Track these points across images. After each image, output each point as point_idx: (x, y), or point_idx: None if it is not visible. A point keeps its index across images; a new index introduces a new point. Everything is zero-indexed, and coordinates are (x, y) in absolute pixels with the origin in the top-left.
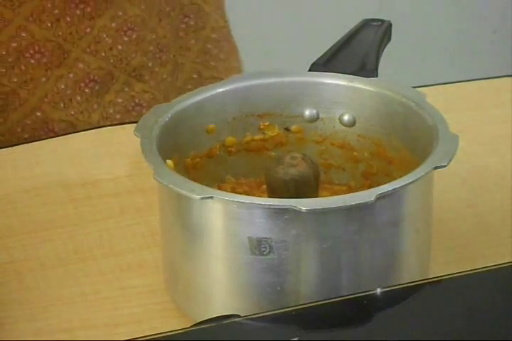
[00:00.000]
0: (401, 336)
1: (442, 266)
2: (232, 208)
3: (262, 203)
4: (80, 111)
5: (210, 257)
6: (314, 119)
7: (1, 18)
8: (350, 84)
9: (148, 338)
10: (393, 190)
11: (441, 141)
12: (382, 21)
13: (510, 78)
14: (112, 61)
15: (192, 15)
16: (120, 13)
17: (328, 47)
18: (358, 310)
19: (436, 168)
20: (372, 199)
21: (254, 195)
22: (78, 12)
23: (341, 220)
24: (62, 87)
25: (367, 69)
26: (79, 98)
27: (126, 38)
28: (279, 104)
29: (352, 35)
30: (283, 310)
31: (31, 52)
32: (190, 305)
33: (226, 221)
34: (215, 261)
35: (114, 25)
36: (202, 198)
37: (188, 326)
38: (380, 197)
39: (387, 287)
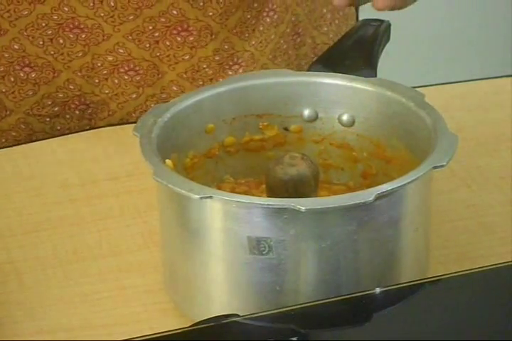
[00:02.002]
0: (400, 335)
1: (441, 266)
2: (232, 208)
3: (261, 203)
4: None
5: (209, 257)
6: (313, 119)
7: (102, 32)
8: (350, 84)
9: (147, 338)
10: (392, 189)
11: (440, 140)
12: (382, 21)
13: (510, 78)
14: None
15: None
16: (226, 47)
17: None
18: (357, 309)
19: (435, 167)
20: (371, 199)
21: (253, 195)
22: (179, 39)
23: (340, 220)
24: (152, 105)
25: (366, 69)
26: None
27: (230, 72)
28: (278, 104)
29: (351, 35)
30: (282, 310)
31: (126, 68)
32: (189, 305)
33: (225, 220)
34: (214, 261)
35: (217, 58)
36: (201, 198)
37: (188, 326)
38: (379, 197)
39: (386, 287)
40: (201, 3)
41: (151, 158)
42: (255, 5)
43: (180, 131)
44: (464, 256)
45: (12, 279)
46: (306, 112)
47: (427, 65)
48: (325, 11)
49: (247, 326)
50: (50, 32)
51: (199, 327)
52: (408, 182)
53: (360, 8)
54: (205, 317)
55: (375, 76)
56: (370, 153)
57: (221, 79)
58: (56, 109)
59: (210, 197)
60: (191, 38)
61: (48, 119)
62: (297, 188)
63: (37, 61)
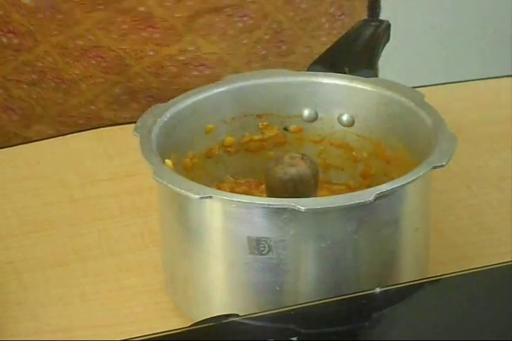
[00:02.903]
0: (400, 335)
1: (441, 266)
2: (231, 208)
3: (261, 203)
4: None
5: (209, 257)
6: (313, 119)
7: (74, 17)
8: (349, 84)
9: (147, 338)
10: (392, 189)
11: (439, 140)
12: (381, 21)
13: (510, 78)
14: None
15: None
16: (191, 48)
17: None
18: (357, 309)
19: (434, 167)
20: (371, 198)
21: (253, 195)
22: (145, 34)
23: (340, 220)
24: (117, 91)
25: (366, 69)
26: None
27: (195, 72)
28: (277, 104)
29: (351, 35)
30: (282, 310)
31: (94, 54)
32: (189, 305)
33: (225, 220)
34: (214, 261)
35: (182, 58)
36: (201, 198)
37: (187, 326)
38: (379, 197)
39: (386, 286)
40: (168, 4)
41: (151, 158)
42: (226, 9)
43: (180, 131)
44: (463, 256)
45: (12, 279)
46: (306, 112)
47: (427, 65)
48: (323, 20)
49: (247, 326)
50: (32, 5)
51: (199, 327)
52: (408, 182)
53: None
54: (205, 317)
55: (375, 76)
56: (370, 153)
57: (186, 78)
58: (34, 76)
59: (210, 196)
60: (157, 35)
61: (25, 86)
62: (297, 188)
63: (20, 28)
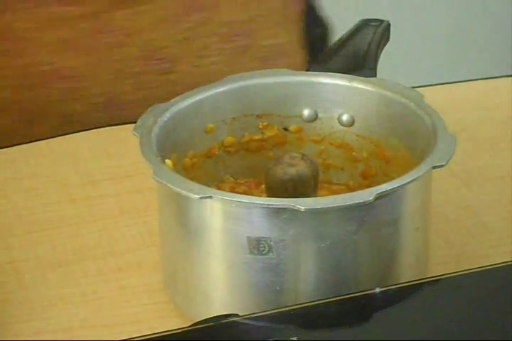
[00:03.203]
0: (400, 335)
1: (441, 266)
2: (231, 208)
3: (261, 203)
4: None
5: (208, 257)
6: (313, 119)
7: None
8: (349, 84)
9: (147, 338)
10: (392, 189)
11: (439, 140)
12: (381, 21)
13: (510, 78)
14: None
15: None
16: None
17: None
18: (357, 309)
19: (434, 167)
20: (371, 198)
21: (253, 195)
22: None
23: (340, 220)
24: None
25: (366, 69)
26: None
27: None
28: (277, 104)
29: (351, 35)
30: (282, 310)
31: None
32: (189, 305)
33: (225, 220)
34: (213, 261)
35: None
36: (201, 198)
37: (187, 326)
38: (379, 197)
39: (386, 286)
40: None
41: (151, 158)
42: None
43: (180, 130)
44: (463, 256)
45: (12, 279)
46: (306, 112)
47: (427, 65)
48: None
49: (247, 326)
50: None
51: (199, 327)
52: (408, 182)
53: (361, 7)
54: (205, 317)
55: (375, 76)
56: (370, 153)
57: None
58: None
59: (210, 197)
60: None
61: None
62: (297, 188)
63: None
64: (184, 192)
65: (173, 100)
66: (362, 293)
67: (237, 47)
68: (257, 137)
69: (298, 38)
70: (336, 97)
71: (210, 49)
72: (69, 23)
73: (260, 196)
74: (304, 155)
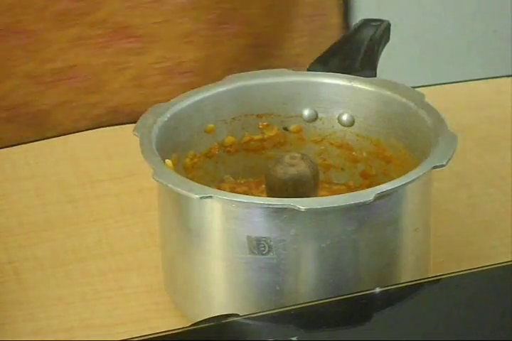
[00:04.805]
0: (400, 335)
1: (441, 266)
2: (231, 208)
3: (261, 203)
4: None
5: (209, 257)
6: (313, 119)
7: (45, 38)
8: (349, 84)
9: (147, 338)
10: (392, 189)
11: (440, 140)
12: (382, 21)
13: (510, 78)
14: None
15: None
16: (172, 55)
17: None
18: (357, 309)
19: (435, 167)
20: (371, 198)
21: (253, 195)
22: (123, 45)
23: (340, 220)
24: (97, 113)
25: (366, 69)
26: None
27: (178, 80)
28: (278, 103)
29: (351, 35)
30: (282, 310)
31: (70, 75)
32: (189, 305)
33: (225, 220)
34: (213, 261)
35: (163, 65)
36: (201, 198)
37: (187, 326)
38: (379, 197)
39: (387, 286)
40: (145, 10)
41: (151, 158)
42: (209, 17)
43: (180, 130)
44: (464, 256)
45: (12, 279)
46: (306, 112)
47: (427, 65)
48: (300, 21)
49: (247, 326)
50: None
51: (199, 327)
52: (408, 182)
53: (362, 7)
54: (205, 317)
55: (375, 76)
56: (370, 153)
57: (168, 87)
58: (4, 114)
59: (210, 197)
60: (135, 45)
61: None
62: (297, 188)
63: None
64: (184, 192)
65: (173, 100)
66: (362, 293)
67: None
68: (257, 137)
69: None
70: (336, 97)
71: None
72: None
73: (260, 196)
74: (304, 155)
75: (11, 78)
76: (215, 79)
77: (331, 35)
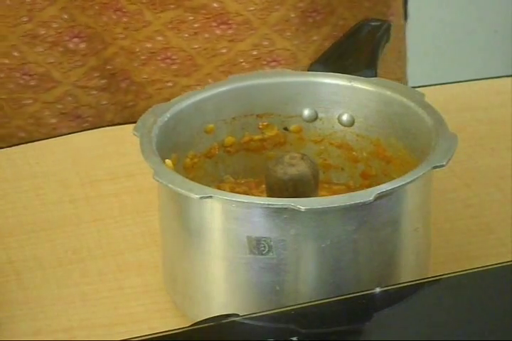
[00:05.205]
0: (400, 335)
1: (441, 266)
2: (231, 207)
3: (261, 202)
4: None
5: (209, 257)
6: (313, 119)
7: (142, 18)
8: (349, 84)
9: (147, 338)
10: (392, 189)
11: (440, 140)
12: (382, 21)
13: (510, 78)
14: None
15: None
16: (266, 43)
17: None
18: (357, 309)
19: (435, 167)
20: (371, 198)
21: (253, 195)
22: (218, 32)
23: (340, 220)
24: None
25: (366, 69)
26: None
27: (267, 68)
28: (278, 103)
29: (351, 35)
30: (282, 310)
31: (163, 56)
32: (189, 305)
33: (225, 220)
34: (214, 261)
35: (255, 53)
36: (201, 198)
37: (187, 326)
38: (379, 197)
39: (387, 286)
40: None
41: (151, 158)
42: (300, 5)
43: (180, 130)
44: (463, 256)
45: (12, 279)
46: (306, 112)
47: (427, 64)
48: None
49: (247, 326)
50: (97, 7)
51: (199, 327)
52: (408, 182)
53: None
54: (205, 317)
55: (375, 76)
56: (370, 153)
57: None
58: (103, 81)
59: (210, 197)
60: (230, 32)
61: (94, 92)
62: (297, 188)
63: (87, 31)
64: (184, 192)
65: (173, 100)
66: (362, 293)
67: None
68: (257, 137)
69: None
70: (336, 97)
71: None
72: None
73: (260, 196)
74: (304, 155)
75: (109, 48)
76: (303, 68)
77: (398, 36)
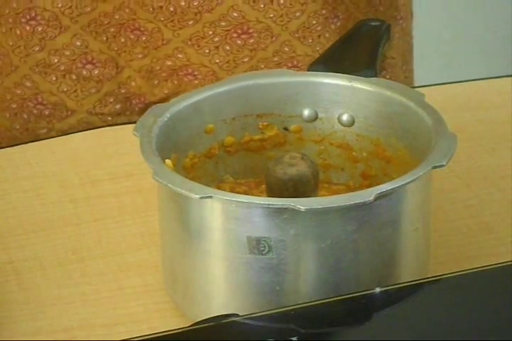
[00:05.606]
0: (400, 335)
1: (441, 266)
2: (231, 208)
3: (261, 202)
4: None
5: (209, 257)
6: (313, 119)
7: (161, 36)
8: (349, 84)
9: (147, 337)
10: (392, 189)
11: (440, 140)
12: (382, 21)
13: (510, 78)
14: None
15: None
16: (286, 49)
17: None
18: (357, 309)
19: (435, 167)
20: (371, 198)
21: (253, 195)
22: (239, 42)
23: (340, 220)
24: None
25: (366, 69)
26: None
27: None
28: (278, 103)
29: (351, 35)
30: (282, 310)
31: (184, 72)
32: (189, 305)
33: (225, 220)
34: (214, 261)
35: (276, 59)
36: (201, 198)
37: (187, 326)
38: (379, 197)
39: (386, 286)
40: (262, 5)
41: (151, 158)
42: (323, 12)
43: (180, 131)
44: (463, 256)
45: (12, 279)
46: (306, 112)
47: (427, 64)
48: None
49: (247, 326)
50: (112, 30)
51: (199, 327)
52: (408, 182)
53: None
54: (205, 317)
55: (375, 76)
56: (370, 153)
57: None
58: (118, 106)
59: (210, 197)
60: (251, 40)
61: (109, 118)
62: (297, 188)
63: (100, 57)
64: (184, 192)
65: (173, 100)
66: (362, 293)
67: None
68: (257, 137)
69: None
70: (336, 97)
71: None
72: None
73: (260, 196)
74: (304, 155)
75: (124, 71)
76: None
77: (406, 40)
